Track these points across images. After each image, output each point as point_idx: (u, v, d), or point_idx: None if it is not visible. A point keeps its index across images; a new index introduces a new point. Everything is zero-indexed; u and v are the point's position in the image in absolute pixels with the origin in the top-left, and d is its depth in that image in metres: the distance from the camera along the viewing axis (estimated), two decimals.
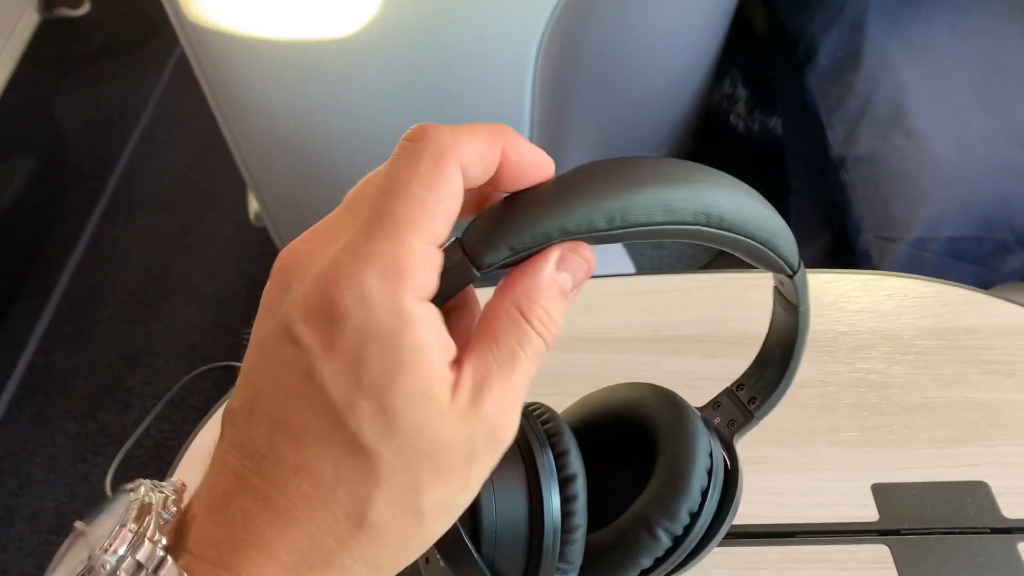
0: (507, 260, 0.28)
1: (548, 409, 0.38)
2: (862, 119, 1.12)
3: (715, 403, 0.43)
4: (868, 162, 1.10)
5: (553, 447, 0.35)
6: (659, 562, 0.38)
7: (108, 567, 0.25)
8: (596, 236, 0.28)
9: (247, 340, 0.29)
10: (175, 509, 0.28)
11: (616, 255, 1.28)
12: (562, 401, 0.59)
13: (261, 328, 0.28)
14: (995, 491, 0.55)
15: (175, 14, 1.10)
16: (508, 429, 0.27)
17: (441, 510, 0.27)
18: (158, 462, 1.49)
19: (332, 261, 0.26)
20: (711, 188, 0.29)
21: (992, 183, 1.04)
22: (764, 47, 1.45)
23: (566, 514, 0.34)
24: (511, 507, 0.33)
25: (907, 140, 1.07)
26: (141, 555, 0.26)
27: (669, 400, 0.40)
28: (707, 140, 1.52)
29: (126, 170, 2.06)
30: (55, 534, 1.43)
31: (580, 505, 0.35)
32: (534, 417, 0.37)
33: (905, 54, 1.12)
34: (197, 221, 1.92)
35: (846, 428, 0.59)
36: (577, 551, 0.35)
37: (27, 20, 1.77)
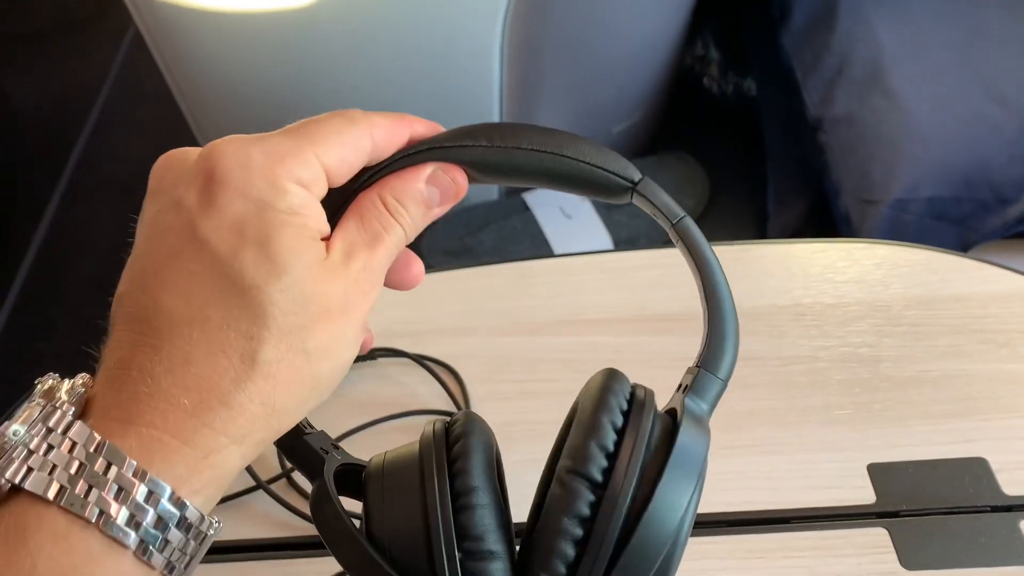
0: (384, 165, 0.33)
1: (466, 423, 0.34)
2: (838, 79, 1.09)
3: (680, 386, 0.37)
4: (845, 123, 1.08)
5: (451, 464, 0.32)
6: (589, 524, 0.30)
7: (18, 435, 0.26)
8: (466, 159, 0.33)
9: None
10: (83, 391, 0.29)
11: (593, 227, 1.25)
12: (559, 389, 0.57)
13: (146, 211, 0.31)
14: (994, 467, 0.53)
15: None
16: (373, 286, 0.31)
17: (324, 353, 0.29)
18: None
19: (220, 142, 0.29)
20: (558, 134, 0.34)
21: (971, 142, 1.02)
22: (736, 7, 1.41)
23: (462, 530, 0.31)
24: (404, 526, 0.32)
25: (885, 100, 1.05)
26: (51, 422, 0.27)
27: (603, 374, 0.35)
28: (681, 103, 1.48)
29: (84, 151, 2.00)
30: None
31: (475, 518, 0.31)
32: (438, 436, 0.34)
33: (881, 12, 1.09)
34: None
35: (839, 406, 0.58)
36: (487, 568, 0.31)
37: None
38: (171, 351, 0.27)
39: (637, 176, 0.35)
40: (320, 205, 0.30)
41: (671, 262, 0.67)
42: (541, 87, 1.21)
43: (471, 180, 0.35)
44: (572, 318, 0.64)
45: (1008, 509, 0.51)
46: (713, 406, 0.34)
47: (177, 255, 0.28)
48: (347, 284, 0.30)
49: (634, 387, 0.34)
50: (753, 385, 0.59)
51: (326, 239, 0.30)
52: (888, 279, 0.65)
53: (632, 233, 1.25)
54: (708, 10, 1.37)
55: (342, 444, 0.37)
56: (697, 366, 0.34)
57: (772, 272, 0.66)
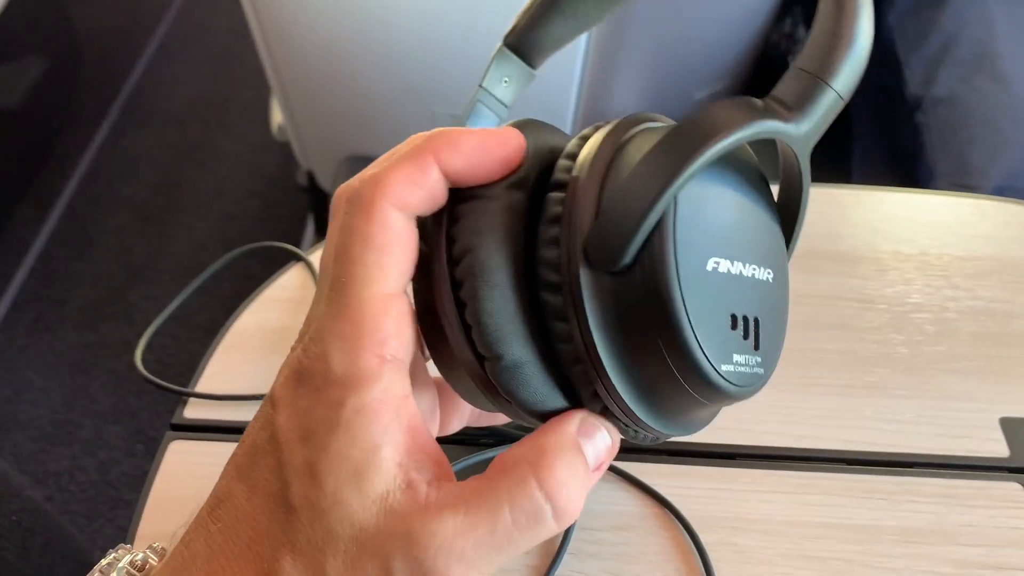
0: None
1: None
2: (944, 58, 1.04)
3: None
4: (947, 104, 1.03)
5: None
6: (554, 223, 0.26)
7: None
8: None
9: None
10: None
11: None
12: None
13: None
14: None
15: None
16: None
17: None
18: (188, 342, 1.44)
19: (301, 335, 0.26)
20: None
21: None
22: None
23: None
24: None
25: (992, 83, 1.00)
26: None
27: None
28: (765, 79, 1.44)
29: (139, 81, 1.98)
30: (50, 443, 1.37)
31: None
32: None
33: None
34: (210, 137, 1.84)
35: (967, 357, 0.53)
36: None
37: None
38: (218, 543, 0.26)
39: None
40: (406, 383, 0.26)
41: None
42: (626, 43, 1.17)
43: None
44: None
45: None
46: (801, 111, 0.25)
47: (258, 450, 0.26)
48: (394, 546, 0.24)
49: None
50: (876, 328, 0.55)
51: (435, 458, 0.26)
52: (1022, 237, 0.60)
53: None
54: None
55: None
56: (797, 66, 0.25)
57: (895, 218, 0.62)
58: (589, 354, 0.26)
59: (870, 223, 0.62)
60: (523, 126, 0.28)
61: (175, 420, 0.52)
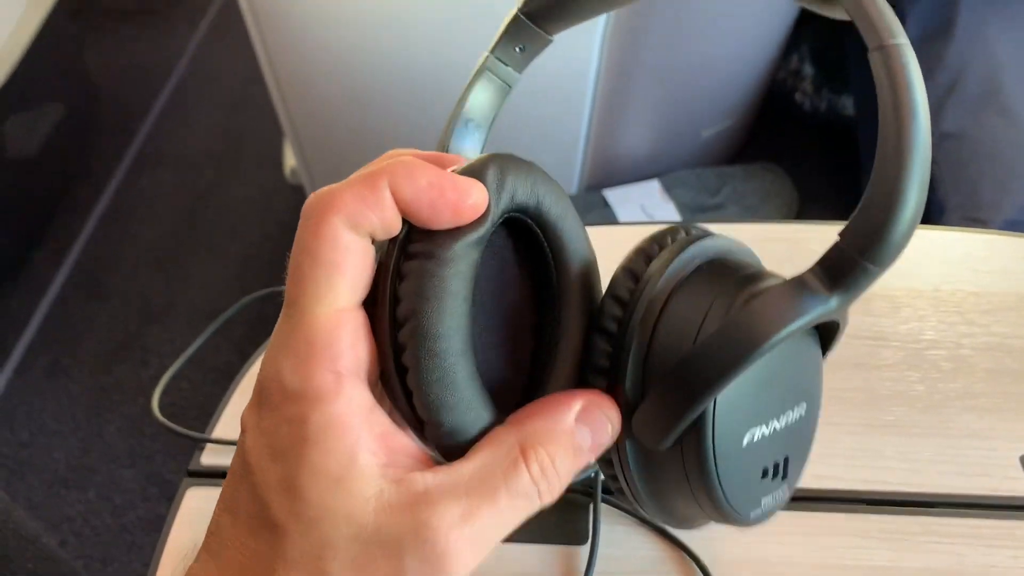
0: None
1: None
2: (951, 94, 1.05)
3: None
4: (955, 139, 1.03)
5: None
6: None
7: None
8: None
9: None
10: None
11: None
12: None
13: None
14: None
15: None
16: (451, 559, 0.24)
17: None
18: (203, 385, 1.45)
19: (263, 356, 0.26)
20: None
21: None
22: (836, 21, 1.37)
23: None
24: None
25: (1001, 118, 1.00)
26: None
27: None
28: (772, 115, 1.45)
29: (156, 124, 2.01)
30: (64, 487, 1.37)
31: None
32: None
33: (1001, 27, 1.05)
34: (225, 180, 1.86)
35: (985, 394, 0.53)
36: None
37: None
38: (212, 572, 0.26)
39: None
40: (366, 392, 0.26)
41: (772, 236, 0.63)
42: (636, 81, 1.18)
43: None
44: None
45: None
46: (843, 290, 0.25)
47: (235, 478, 0.26)
48: (403, 531, 0.24)
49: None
50: (892, 365, 0.55)
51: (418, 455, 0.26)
52: None
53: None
54: (807, 24, 1.34)
55: None
56: (838, 238, 0.25)
57: (906, 254, 0.61)
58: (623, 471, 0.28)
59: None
60: (491, 163, 0.27)
61: (192, 467, 0.52)
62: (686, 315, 0.27)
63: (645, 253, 0.29)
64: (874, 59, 0.24)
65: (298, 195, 1.76)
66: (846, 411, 0.52)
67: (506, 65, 0.33)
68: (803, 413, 0.29)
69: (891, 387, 0.53)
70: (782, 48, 1.33)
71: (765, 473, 0.28)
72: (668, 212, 1.21)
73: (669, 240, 0.29)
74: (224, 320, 0.65)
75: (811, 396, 0.29)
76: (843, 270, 0.24)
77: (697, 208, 1.22)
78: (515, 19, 0.32)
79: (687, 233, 0.29)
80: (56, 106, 1.73)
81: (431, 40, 1.08)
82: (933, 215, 1.07)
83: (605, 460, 0.29)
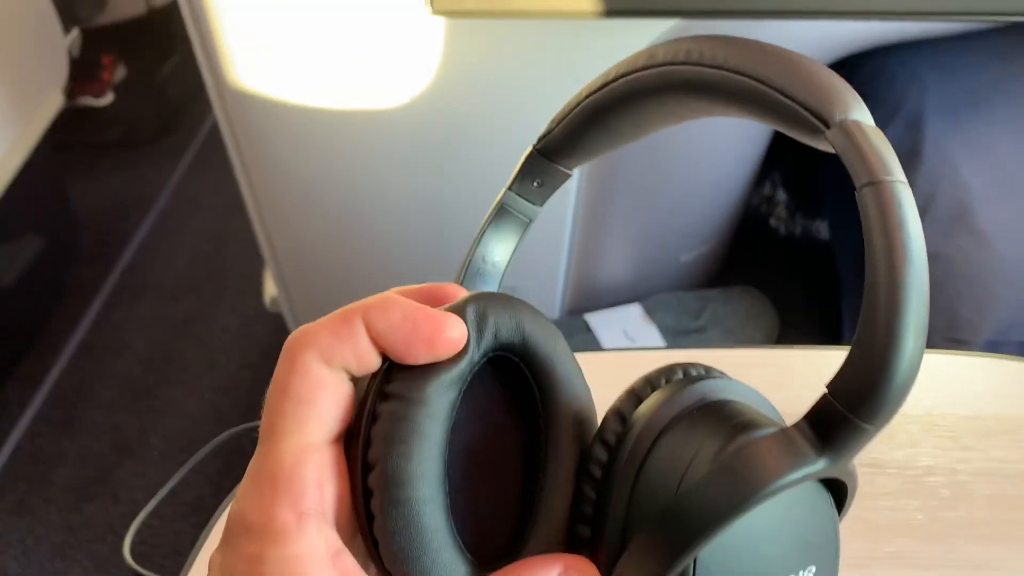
0: None
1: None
2: (923, 218, 1.06)
3: None
4: (931, 261, 1.04)
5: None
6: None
7: None
8: None
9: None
10: None
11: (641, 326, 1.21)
12: None
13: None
14: None
15: (212, 76, 1.06)
16: None
17: None
18: (174, 521, 1.40)
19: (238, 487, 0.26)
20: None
21: None
22: (808, 148, 1.42)
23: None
24: None
25: (972, 240, 1.02)
26: None
27: None
28: (747, 241, 1.47)
29: (135, 257, 2.01)
30: None
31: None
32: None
33: (966, 153, 1.09)
34: (203, 311, 1.86)
35: (988, 523, 0.51)
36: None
37: (51, 103, 1.75)
38: None
39: (839, 115, 0.24)
40: (329, 529, 0.25)
41: (781, 362, 0.63)
42: (615, 206, 1.20)
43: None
44: None
45: None
46: (833, 451, 0.23)
47: None
48: None
49: None
50: (889, 493, 0.53)
51: None
52: None
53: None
54: (778, 152, 1.38)
55: None
56: (826, 390, 0.23)
57: None
58: None
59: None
60: (471, 300, 0.27)
61: None
62: (670, 462, 0.26)
63: (637, 394, 0.28)
64: (863, 196, 0.23)
65: (278, 323, 1.75)
66: (846, 543, 0.50)
67: (525, 200, 0.33)
68: (813, 573, 0.27)
69: (890, 516, 0.52)
70: (755, 175, 1.36)
71: None
72: (651, 336, 1.21)
73: (663, 381, 0.28)
74: (199, 459, 0.63)
75: (822, 559, 0.27)
76: (832, 428, 0.22)
77: (680, 331, 1.22)
78: (531, 156, 0.32)
79: (685, 373, 0.28)
80: (36, 238, 1.73)
81: (416, 176, 1.10)
82: None
83: None
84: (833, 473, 0.24)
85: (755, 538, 0.25)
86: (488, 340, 0.27)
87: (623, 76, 0.28)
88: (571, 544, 0.27)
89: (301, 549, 0.24)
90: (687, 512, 0.23)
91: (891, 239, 0.22)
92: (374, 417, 0.26)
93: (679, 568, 0.23)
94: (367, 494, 0.25)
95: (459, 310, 0.27)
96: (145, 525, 1.40)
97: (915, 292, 0.22)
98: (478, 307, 0.27)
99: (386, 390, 0.26)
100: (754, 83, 0.25)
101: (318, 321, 0.26)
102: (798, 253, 1.45)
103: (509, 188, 0.33)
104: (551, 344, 0.29)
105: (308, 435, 0.25)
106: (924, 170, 1.10)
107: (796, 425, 0.24)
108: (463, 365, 0.26)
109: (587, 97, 0.30)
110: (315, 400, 0.25)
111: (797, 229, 1.45)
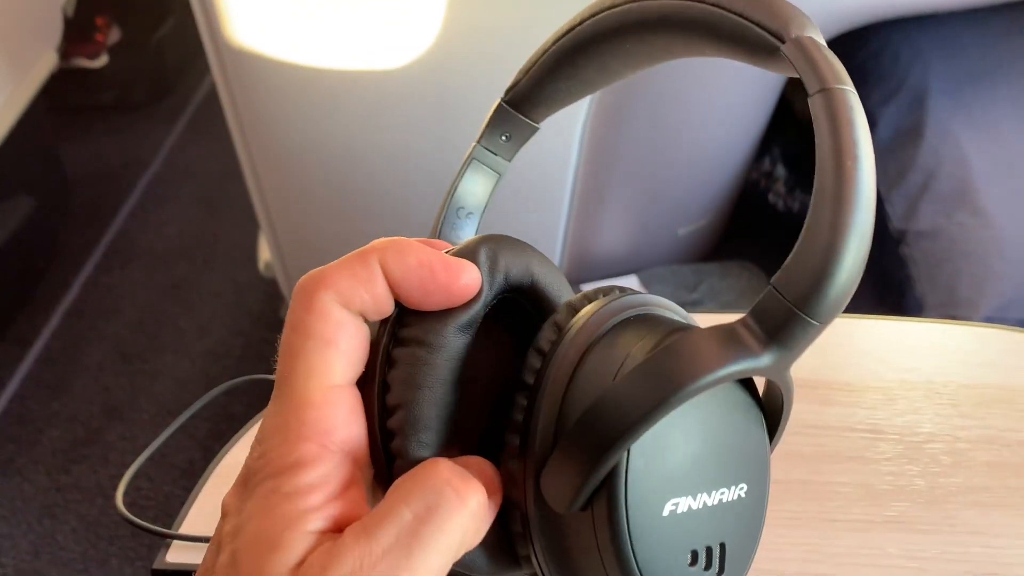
0: None
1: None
2: (924, 194, 1.07)
3: None
4: (930, 238, 1.05)
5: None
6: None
7: None
8: None
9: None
10: None
11: None
12: None
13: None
14: None
15: (210, 35, 1.05)
16: None
17: None
18: (164, 484, 1.39)
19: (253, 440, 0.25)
20: None
21: None
22: (808, 125, 1.41)
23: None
24: None
25: (973, 218, 1.02)
26: None
27: None
28: (745, 216, 1.47)
29: (127, 221, 1.99)
30: None
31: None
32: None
33: (969, 131, 1.08)
34: (195, 277, 1.84)
35: (987, 489, 0.51)
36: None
37: (45, 62, 1.72)
38: None
39: (795, 31, 0.24)
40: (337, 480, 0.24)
41: None
42: (613, 178, 1.19)
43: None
44: None
45: None
46: (779, 344, 0.22)
47: None
48: None
49: None
50: (890, 459, 0.53)
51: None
52: None
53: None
54: (779, 127, 1.37)
55: None
56: (771, 285, 0.23)
57: (896, 348, 0.61)
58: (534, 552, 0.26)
59: (874, 352, 0.61)
60: (483, 243, 0.27)
61: (156, 565, 0.48)
62: (603, 364, 0.25)
63: (573, 306, 0.27)
64: (815, 102, 0.23)
65: (269, 290, 1.74)
66: (845, 506, 0.50)
67: (494, 154, 0.33)
68: (742, 495, 0.26)
69: (891, 481, 0.52)
70: (755, 150, 1.36)
71: (694, 558, 0.24)
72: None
73: (601, 295, 0.27)
74: (190, 415, 0.62)
75: (753, 480, 0.26)
76: (778, 322, 0.22)
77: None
78: (499, 108, 0.32)
79: (622, 291, 0.28)
80: (27, 200, 1.71)
81: (415, 138, 1.08)
82: (912, 313, 1.07)
83: (517, 532, 0.26)
84: (773, 374, 0.23)
85: (686, 447, 0.24)
86: (499, 282, 0.27)
87: (587, 19, 0.28)
88: (506, 454, 0.26)
89: (316, 479, 0.23)
90: (618, 403, 0.22)
91: (840, 140, 0.22)
92: (391, 361, 0.26)
93: (602, 471, 0.23)
94: (387, 435, 0.25)
95: (472, 252, 0.27)
96: (134, 487, 1.40)
97: (863, 189, 0.22)
98: (490, 249, 0.27)
99: (401, 335, 0.26)
100: (712, 8, 0.25)
101: (333, 263, 0.25)
102: (796, 229, 1.44)
103: (478, 142, 0.33)
104: (559, 285, 0.29)
105: (334, 375, 0.25)
106: (926, 147, 1.09)
107: (741, 320, 0.23)
108: (477, 308, 0.26)
109: (553, 44, 0.29)
110: (338, 340, 0.25)
111: (795, 205, 1.44)
